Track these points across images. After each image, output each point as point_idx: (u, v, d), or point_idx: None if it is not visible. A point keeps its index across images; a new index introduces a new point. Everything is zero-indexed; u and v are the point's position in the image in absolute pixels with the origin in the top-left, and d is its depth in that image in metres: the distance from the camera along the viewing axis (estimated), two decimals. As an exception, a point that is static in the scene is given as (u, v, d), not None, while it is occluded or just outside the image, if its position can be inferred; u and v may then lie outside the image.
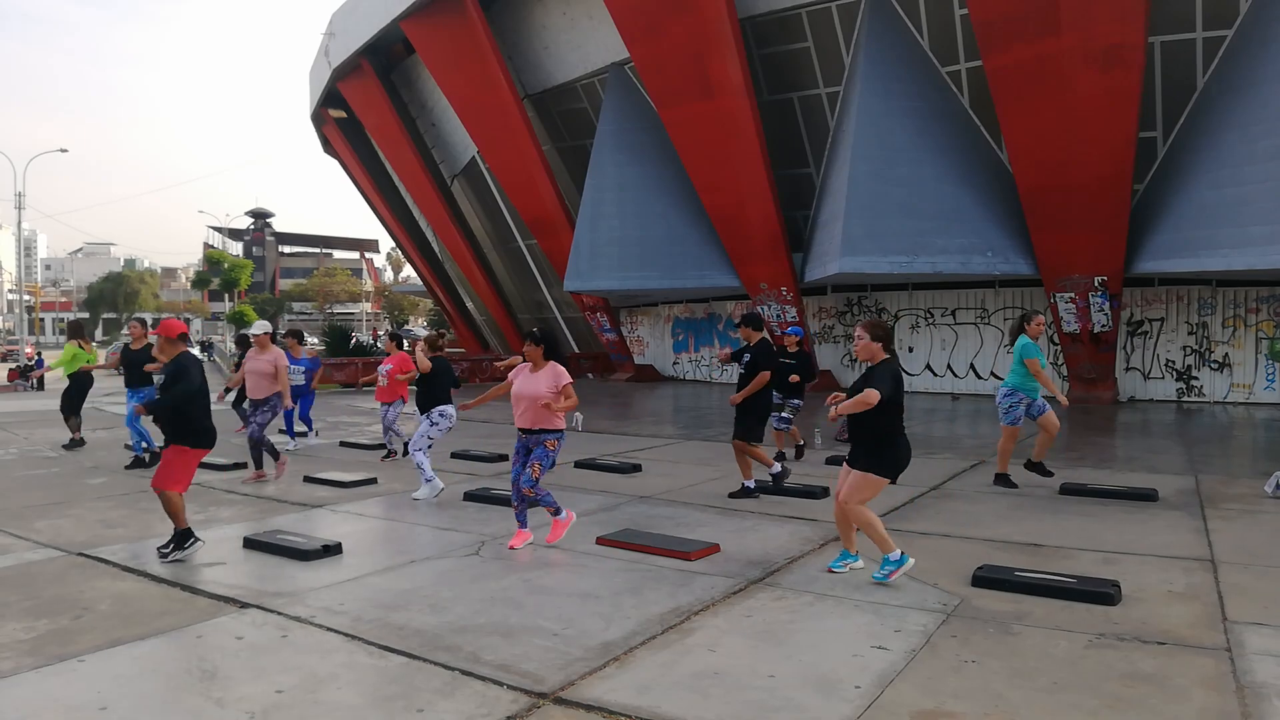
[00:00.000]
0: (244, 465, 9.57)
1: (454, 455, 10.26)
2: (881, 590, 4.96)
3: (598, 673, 3.79)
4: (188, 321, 60.57)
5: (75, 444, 10.94)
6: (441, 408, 8.03)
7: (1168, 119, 15.76)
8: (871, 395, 4.92)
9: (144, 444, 9.57)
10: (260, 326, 9.43)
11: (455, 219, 28.76)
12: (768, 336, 8.17)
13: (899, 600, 4.78)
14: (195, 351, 10.14)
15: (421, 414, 8.08)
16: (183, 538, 5.65)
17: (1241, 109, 14.39)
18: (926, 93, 16.90)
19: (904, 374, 9.32)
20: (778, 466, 7.78)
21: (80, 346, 11.19)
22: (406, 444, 9.96)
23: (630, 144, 20.55)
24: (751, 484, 7.69)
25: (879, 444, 5.10)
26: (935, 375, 20.14)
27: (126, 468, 9.44)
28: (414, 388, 8.54)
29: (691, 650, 4.07)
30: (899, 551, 5.07)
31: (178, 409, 5.62)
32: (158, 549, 5.70)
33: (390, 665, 3.89)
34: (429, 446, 7.87)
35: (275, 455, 8.85)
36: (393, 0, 23.06)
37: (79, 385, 11.16)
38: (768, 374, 7.53)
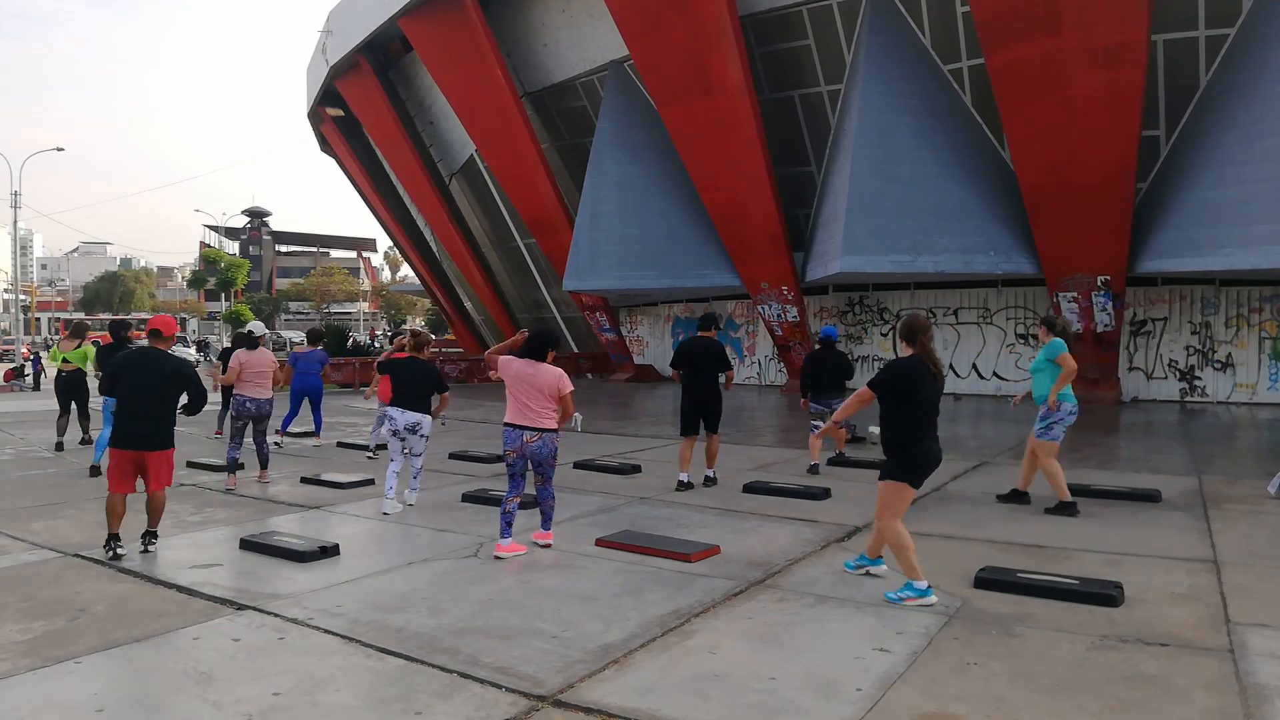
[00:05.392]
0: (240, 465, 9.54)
1: (452, 456, 10.24)
2: (882, 592, 4.92)
3: (597, 675, 3.76)
4: (183, 321, 60.32)
5: None
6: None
7: (1171, 118, 15.73)
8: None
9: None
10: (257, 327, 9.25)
11: (453, 218, 28.72)
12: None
13: (900, 602, 4.74)
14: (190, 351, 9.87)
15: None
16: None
17: (1245, 108, 14.36)
18: (928, 90, 16.87)
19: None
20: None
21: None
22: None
23: (630, 142, 20.51)
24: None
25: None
26: (936, 375, 20.09)
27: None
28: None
29: (691, 653, 4.04)
30: (926, 583, 4.75)
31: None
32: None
33: (388, 667, 3.86)
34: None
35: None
36: (391, -3, 23.04)
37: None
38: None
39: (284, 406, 11.84)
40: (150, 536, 5.86)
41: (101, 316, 60.44)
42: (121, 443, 5.69)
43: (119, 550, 5.63)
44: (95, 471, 9.09)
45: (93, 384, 11.18)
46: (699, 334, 8.30)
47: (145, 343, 6.12)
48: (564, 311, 27.81)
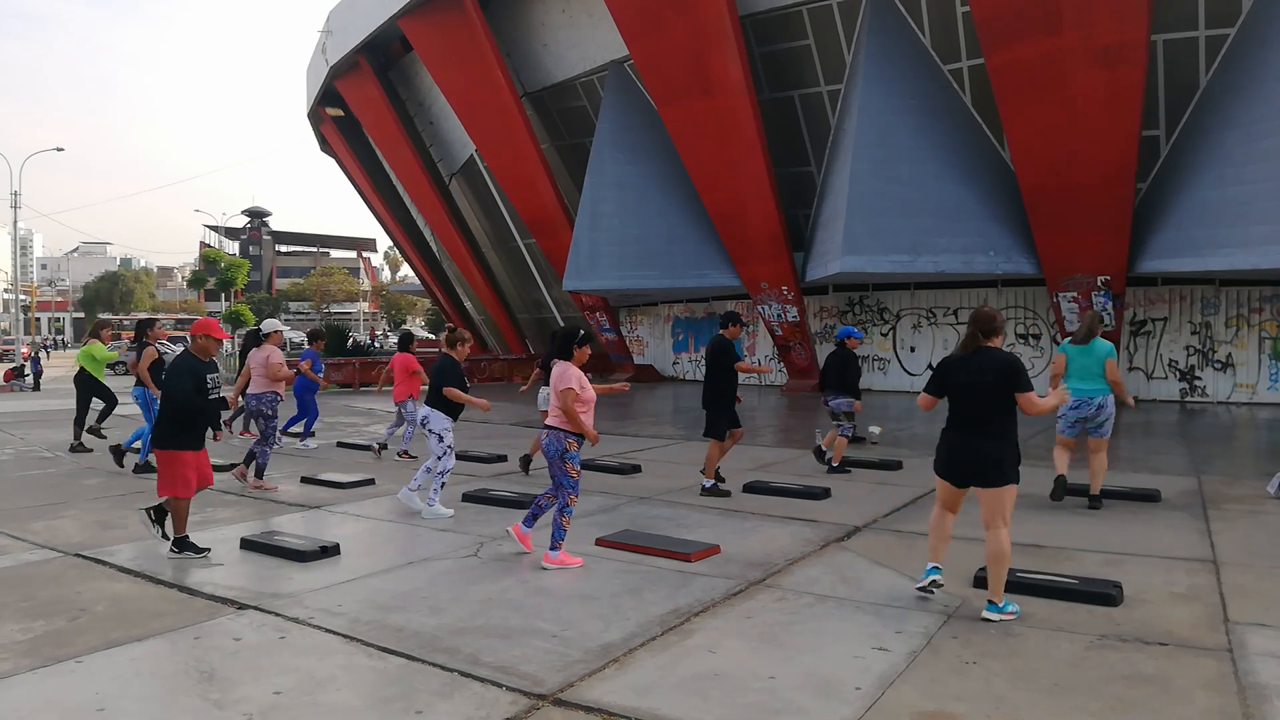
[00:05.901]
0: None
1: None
2: (882, 591, 4.94)
3: (597, 674, 3.77)
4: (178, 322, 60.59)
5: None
6: None
7: (1171, 117, 15.73)
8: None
9: None
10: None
11: (453, 218, 28.71)
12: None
13: (900, 601, 4.75)
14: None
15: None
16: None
17: (1244, 108, 14.36)
18: (928, 90, 16.87)
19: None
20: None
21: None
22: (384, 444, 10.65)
23: (630, 142, 20.51)
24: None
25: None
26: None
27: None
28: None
29: (691, 652, 4.05)
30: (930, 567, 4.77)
31: None
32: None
33: (389, 667, 3.87)
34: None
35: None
36: (391, -3, 23.03)
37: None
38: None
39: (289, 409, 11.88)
40: (174, 542, 5.73)
41: (103, 316, 60.39)
42: None
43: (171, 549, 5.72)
44: (139, 469, 8.99)
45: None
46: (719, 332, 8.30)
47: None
48: (564, 311, 27.80)
